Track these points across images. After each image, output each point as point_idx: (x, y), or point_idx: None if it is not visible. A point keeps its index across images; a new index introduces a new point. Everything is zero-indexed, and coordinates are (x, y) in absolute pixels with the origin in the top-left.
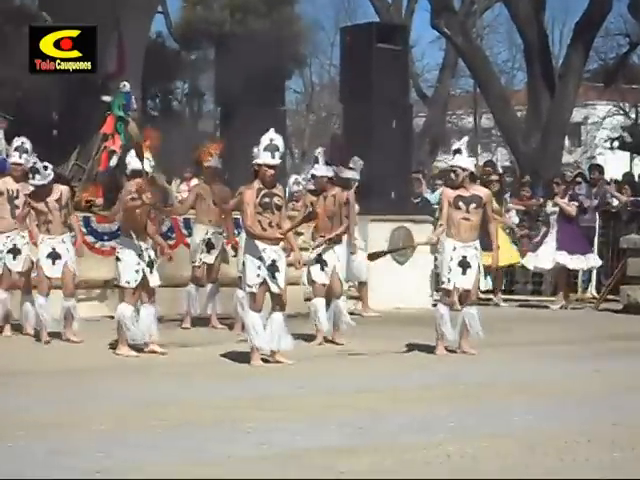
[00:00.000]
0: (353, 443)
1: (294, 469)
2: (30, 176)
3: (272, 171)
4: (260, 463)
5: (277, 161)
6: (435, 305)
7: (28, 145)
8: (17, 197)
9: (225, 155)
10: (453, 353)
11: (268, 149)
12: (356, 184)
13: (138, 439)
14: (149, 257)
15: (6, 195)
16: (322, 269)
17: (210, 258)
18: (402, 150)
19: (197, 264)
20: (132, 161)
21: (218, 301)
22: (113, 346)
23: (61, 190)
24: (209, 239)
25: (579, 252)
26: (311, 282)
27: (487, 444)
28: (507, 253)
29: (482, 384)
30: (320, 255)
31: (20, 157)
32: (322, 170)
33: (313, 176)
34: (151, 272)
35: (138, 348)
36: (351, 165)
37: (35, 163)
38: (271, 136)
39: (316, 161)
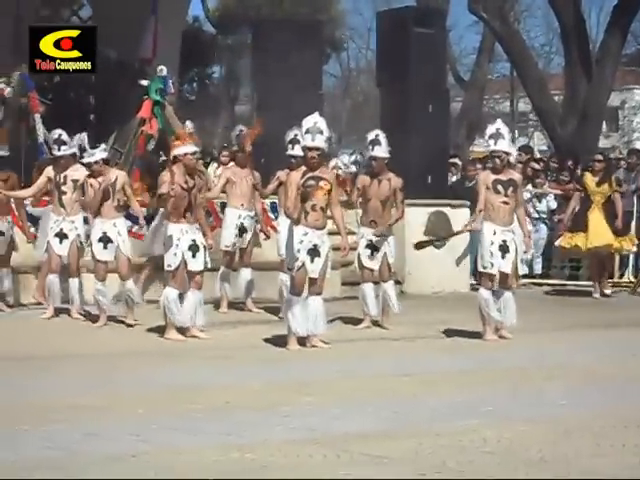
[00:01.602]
0: (390, 427)
1: (331, 453)
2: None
3: (312, 153)
4: (297, 448)
5: (318, 144)
6: (474, 289)
7: (65, 136)
8: (65, 183)
9: (262, 140)
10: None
11: (310, 131)
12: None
13: (175, 423)
14: (192, 241)
15: (54, 181)
16: (372, 254)
17: (243, 242)
18: (439, 134)
19: (230, 248)
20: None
21: (253, 285)
22: (151, 330)
23: (117, 175)
24: (242, 223)
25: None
26: (361, 267)
27: (524, 429)
28: (602, 235)
29: (519, 369)
30: (371, 240)
31: (59, 149)
32: (384, 152)
33: (373, 158)
34: (193, 256)
35: (184, 332)
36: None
37: (83, 141)
38: (314, 119)
39: (377, 143)
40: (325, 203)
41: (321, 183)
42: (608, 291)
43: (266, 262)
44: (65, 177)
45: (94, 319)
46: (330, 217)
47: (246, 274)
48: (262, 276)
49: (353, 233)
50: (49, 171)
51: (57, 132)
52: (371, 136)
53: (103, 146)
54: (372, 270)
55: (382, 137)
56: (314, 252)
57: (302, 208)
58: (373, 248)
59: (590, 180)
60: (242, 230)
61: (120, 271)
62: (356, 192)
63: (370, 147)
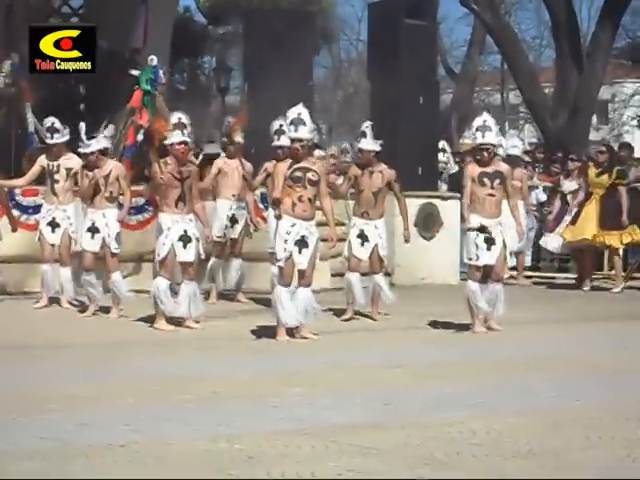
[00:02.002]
0: (378, 419)
1: (319, 444)
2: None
3: (296, 145)
4: (285, 438)
5: (301, 135)
6: (464, 280)
7: (58, 124)
8: (57, 172)
9: (252, 130)
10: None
11: (293, 123)
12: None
13: (164, 413)
14: (184, 231)
15: (47, 170)
16: (362, 244)
17: (234, 233)
18: (429, 126)
19: (221, 239)
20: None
21: (243, 276)
22: (142, 320)
23: (112, 166)
24: (233, 214)
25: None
26: (350, 255)
27: (513, 421)
28: (584, 230)
29: (508, 360)
30: (362, 231)
31: (52, 137)
32: (370, 144)
33: (360, 150)
34: (184, 247)
35: (177, 322)
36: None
37: (81, 132)
38: (298, 110)
39: (363, 135)
40: (313, 194)
41: (309, 174)
42: (617, 289)
43: (257, 253)
44: (58, 166)
45: (86, 309)
46: (319, 208)
47: (236, 265)
48: (252, 267)
49: (342, 224)
50: (42, 160)
51: (50, 120)
52: (361, 128)
53: (101, 136)
54: (360, 259)
55: (369, 130)
56: (302, 243)
57: (289, 199)
58: (364, 238)
59: (592, 171)
60: (233, 221)
61: (106, 262)
62: (347, 182)
63: (358, 139)
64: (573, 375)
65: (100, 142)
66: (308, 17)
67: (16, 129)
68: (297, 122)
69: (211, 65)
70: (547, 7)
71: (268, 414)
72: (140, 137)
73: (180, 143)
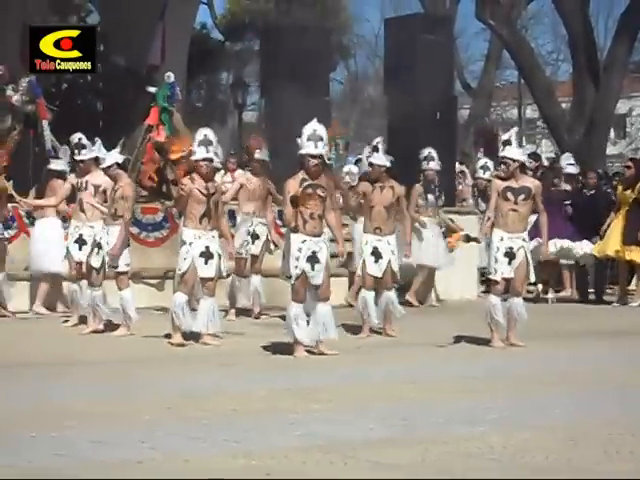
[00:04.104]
0: (396, 435)
1: (337, 460)
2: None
3: (315, 161)
4: (303, 454)
5: (320, 151)
6: (481, 296)
7: (84, 140)
8: (85, 188)
9: (269, 146)
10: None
11: (311, 139)
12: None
13: (181, 430)
14: (205, 248)
15: (76, 187)
16: (376, 261)
17: (255, 249)
18: (446, 141)
19: (243, 255)
20: (197, 150)
21: (263, 292)
22: (159, 336)
23: (122, 184)
24: (254, 230)
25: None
26: (364, 274)
27: (530, 436)
28: (609, 244)
29: (526, 376)
30: (376, 248)
31: (79, 153)
32: (382, 159)
33: (371, 164)
34: (205, 262)
35: (194, 337)
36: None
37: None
38: (314, 126)
39: (375, 150)
40: (322, 210)
41: (318, 191)
42: (635, 304)
43: (277, 269)
44: (86, 182)
45: (113, 327)
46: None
47: (256, 281)
48: (272, 283)
49: (348, 240)
50: (72, 178)
51: (77, 136)
52: (373, 143)
53: (117, 149)
54: (375, 277)
55: (381, 145)
56: (313, 259)
57: (300, 216)
58: (378, 255)
59: (620, 186)
60: (254, 237)
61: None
62: (356, 197)
63: (370, 153)
64: (590, 390)
65: (116, 155)
66: (325, 33)
67: (34, 146)
68: (315, 138)
69: (228, 81)
70: (564, 21)
71: (286, 430)
72: (157, 154)
73: (204, 160)
